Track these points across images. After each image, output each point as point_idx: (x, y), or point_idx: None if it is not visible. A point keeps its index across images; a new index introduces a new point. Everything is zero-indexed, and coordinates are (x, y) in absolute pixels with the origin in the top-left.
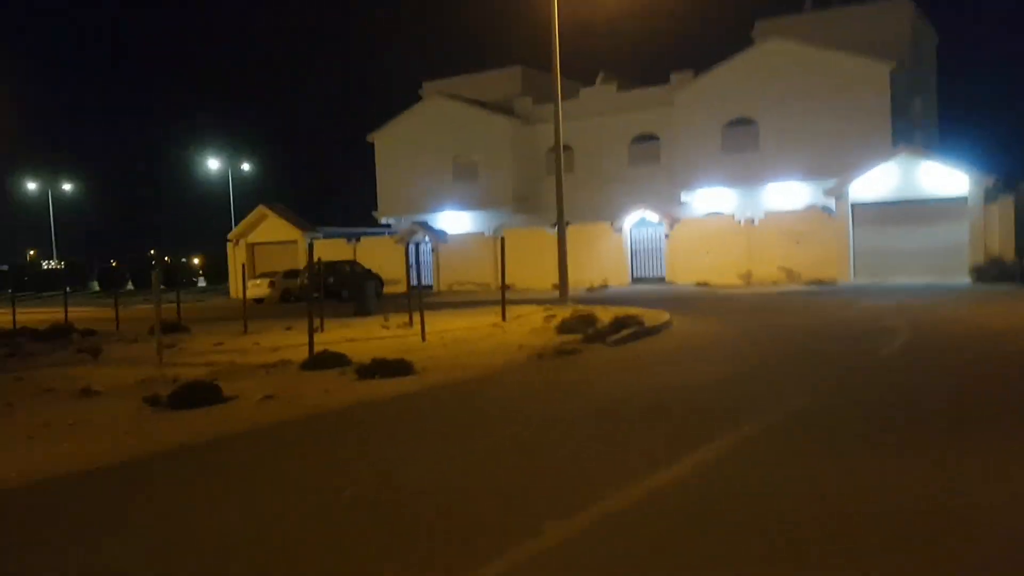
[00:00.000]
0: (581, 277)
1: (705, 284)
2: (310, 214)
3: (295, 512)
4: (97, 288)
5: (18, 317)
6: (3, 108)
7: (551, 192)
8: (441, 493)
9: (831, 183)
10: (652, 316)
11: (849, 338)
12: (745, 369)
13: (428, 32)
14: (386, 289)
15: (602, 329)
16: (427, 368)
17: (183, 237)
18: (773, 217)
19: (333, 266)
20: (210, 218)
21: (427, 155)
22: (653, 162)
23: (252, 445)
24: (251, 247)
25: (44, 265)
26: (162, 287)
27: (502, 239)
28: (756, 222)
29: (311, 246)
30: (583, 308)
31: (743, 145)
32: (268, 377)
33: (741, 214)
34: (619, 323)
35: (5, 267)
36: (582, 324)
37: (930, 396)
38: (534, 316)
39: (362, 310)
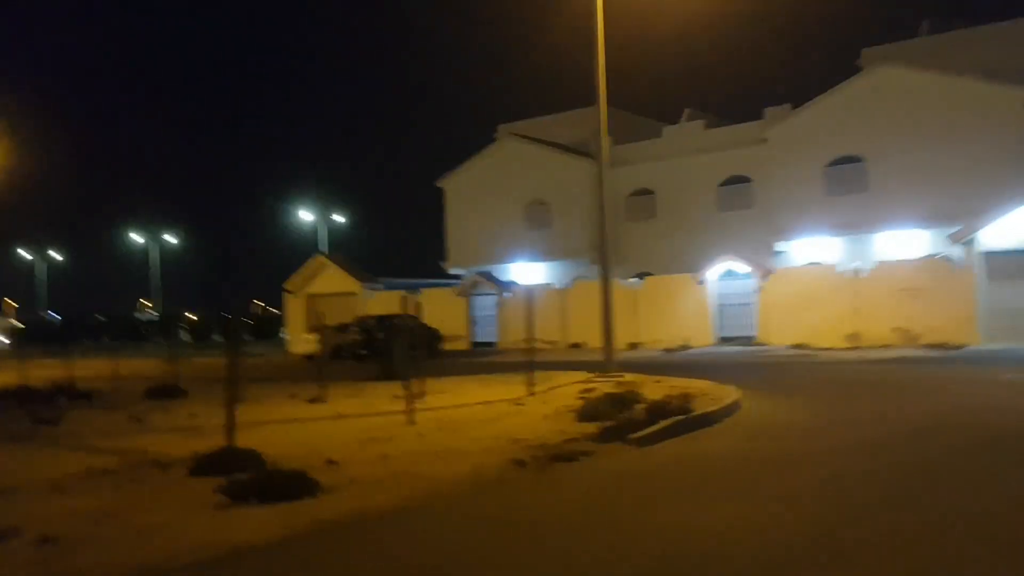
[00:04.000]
0: (658, 336)
1: (803, 347)
2: (379, 264)
3: None
4: (188, 339)
5: (82, 372)
6: (108, 162)
7: (633, 240)
8: None
9: (954, 229)
10: (717, 395)
11: (1008, 441)
12: (831, 520)
13: (505, 75)
14: (447, 345)
15: (636, 416)
16: (353, 481)
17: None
18: (885, 268)
19: (384, 320)
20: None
21: (499, 202)
22: (745, 207)
23: None
24: (310, 298)
25: (141, 316)
26: (250, 338)
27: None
28: (865, 274)
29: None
30: (630, 380)
31: (849, 187)
32: (121, 489)
33: (847, 265)
34: (660, 408)
35: (103, 318)
36: (614, 406)
37: None
38: (568, 390)
39: (386, 374)
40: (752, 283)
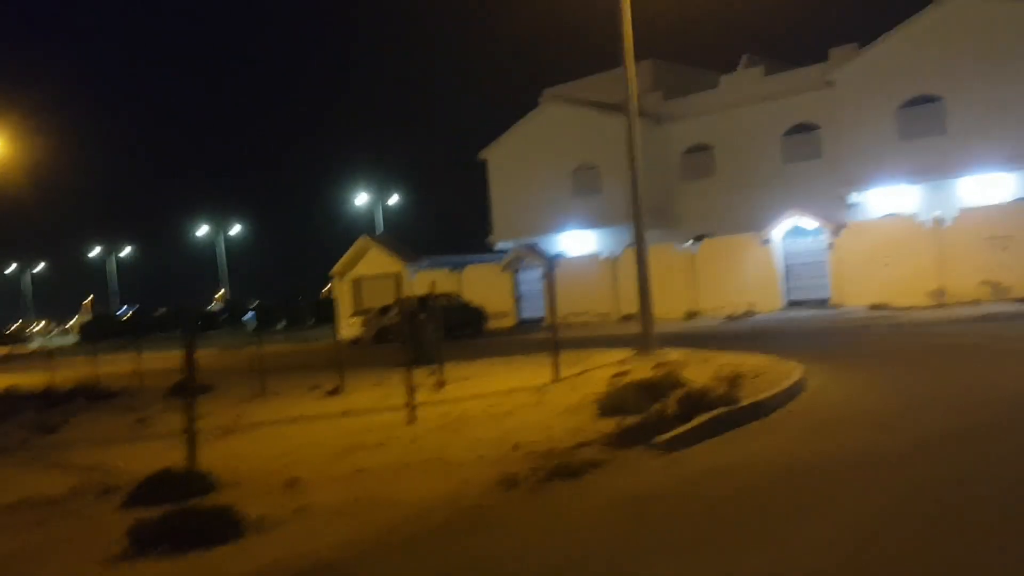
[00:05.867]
0: (719, 303)
1: (882, 307)
2: (429, 242)
3: None
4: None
5: (126, 367)
6: (172, 157)
7: (690, 200)
8: None
9: None
10: (775, 374)
11: None
12: None
13: (548, 38)
14: (493, 323)
15: (669, 408)
16: (301, 511)
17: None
18: (970, 215)
19: (426, 300)
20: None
21: (544, 170)
22: (813, 157)
23: None
24: (356, 282)
25: (213, 307)
26: (312, 323)
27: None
28: (948, 223)
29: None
30: (673, 360)
31: (925, 129)
32: (39, 528)
33: (927, 214)
34: (698, 398)
35: (174, 310)
36: (645, 397)
37: None
38: (600, 374)
39: (419, 359)
40: (822, 239)
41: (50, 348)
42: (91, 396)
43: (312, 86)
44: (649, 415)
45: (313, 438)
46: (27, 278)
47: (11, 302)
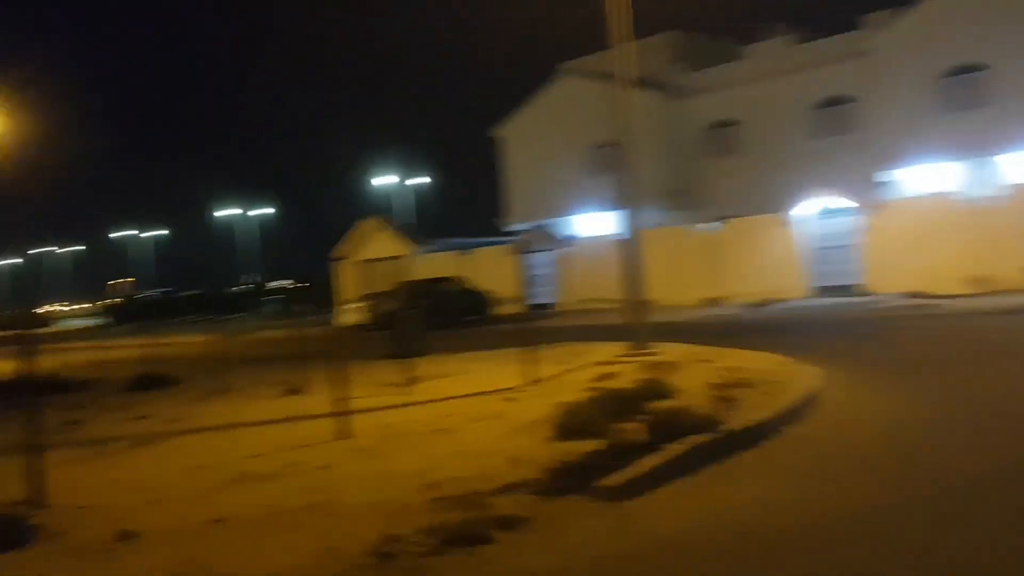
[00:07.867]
0: (743, 288)
1: (919, 295)
2: (443, 225)
3: None
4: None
5: (128, 352)
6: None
7: (715, 180)
8: None
9: None
10: (785, 383)
11: None
12: None
13: (566, 9)
14: (503, 309)
15: (636, 434)
16: None
17: None
18: (1021, 193)
19: (430, 285)
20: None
21: (560, 147)
22: (845, 132)
23: None
24: (360, 265)
25: (238, 289)
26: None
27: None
28: (996, 202)
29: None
30: (668, 360)
31: (968, 101)
32: None
33: (968, 194)
34: (673, 419)
35: (199, 292)
36: (617, 410)
37: None
38: (583, 374)
39: (400, 351)
40: (853, 220)
41: (68, 330)
42: (42, 389)
43: (333, 68)
44: (612, 440)
45: (220, 456)
46: (58, 260)
47: (48, 283)
